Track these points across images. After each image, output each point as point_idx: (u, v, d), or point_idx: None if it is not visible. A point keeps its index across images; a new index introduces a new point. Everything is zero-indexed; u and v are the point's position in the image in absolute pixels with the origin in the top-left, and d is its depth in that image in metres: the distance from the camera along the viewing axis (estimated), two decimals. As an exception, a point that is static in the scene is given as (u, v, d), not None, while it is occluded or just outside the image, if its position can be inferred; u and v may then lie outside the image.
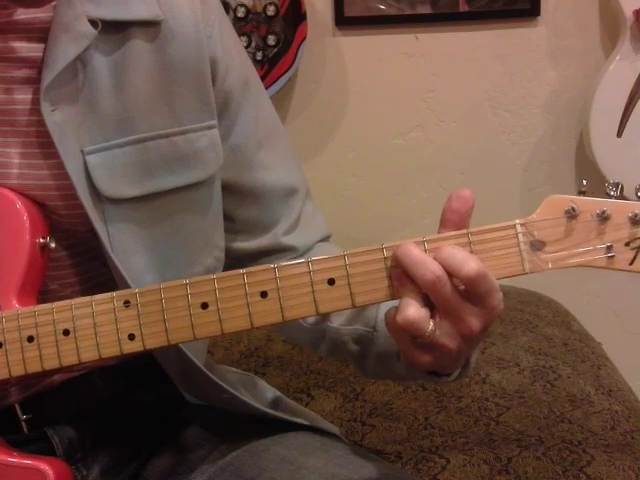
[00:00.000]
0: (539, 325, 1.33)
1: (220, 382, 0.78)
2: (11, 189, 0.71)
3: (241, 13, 1.70)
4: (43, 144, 0.71)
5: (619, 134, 1.68)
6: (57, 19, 0.70)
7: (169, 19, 0.75)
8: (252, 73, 0.85)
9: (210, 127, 0.78)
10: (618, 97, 1.67)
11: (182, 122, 0.76)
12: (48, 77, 0.69)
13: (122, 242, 0.74)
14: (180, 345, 0.72)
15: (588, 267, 0.61)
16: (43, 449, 0.77)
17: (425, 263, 0.59)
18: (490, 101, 1.81)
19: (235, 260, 0.86)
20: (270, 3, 1.70)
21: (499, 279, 0.61)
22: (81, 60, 0.71)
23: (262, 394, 0.90)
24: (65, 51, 0.69)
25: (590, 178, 1.92)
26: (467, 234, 0.61)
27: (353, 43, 1.79)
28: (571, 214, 0.60)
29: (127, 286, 0.72)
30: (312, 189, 0.90)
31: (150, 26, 0.74)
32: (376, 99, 1.81)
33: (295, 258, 0.85)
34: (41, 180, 0.72)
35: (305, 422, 0.84)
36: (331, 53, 1.79)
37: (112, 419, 0.83)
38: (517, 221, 0.61)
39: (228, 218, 0.84)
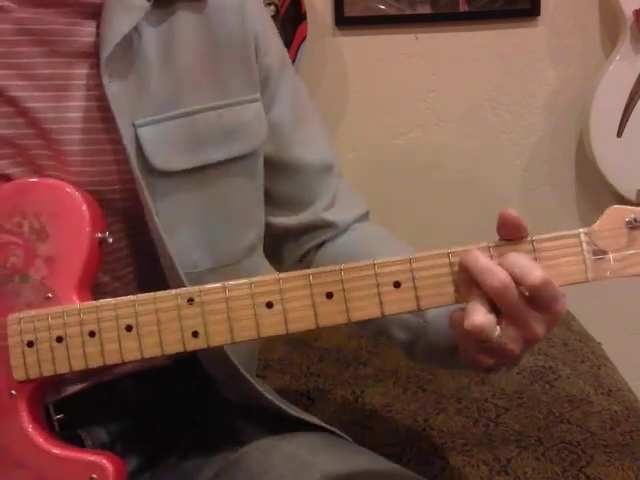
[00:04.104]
0: (539, 325, 1.33)
1: (243, 371, 0.79)
2: (70, 183, 0.72)
3: (241, 13, 1.70)
4: (103, 118, 0.72)
5: (619, 134, 1.68)
6: None
7: None
8: (286, 55, 0.87)
9: (254, 100, 0.80)
10: (618, 97, 1.68)
11: (228, 95, 0.78)
12: (107, 49, 0.70)
13: (170, 217, 0.74)
14: None
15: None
16: None
17: (492, 271, 0.60)
18: (490, 101, 1.81)
19: (277, 238, 0.88)
20: (270, 3, 1.70)
21: (562, 286, 0.61)
22: (135, 33, 0.73)
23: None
24: (120, 23, 0.71)
25: (590, 178, 1.92)
26: (531, 241, 0.62)
27: (353, 43, 1.79)
28: (633, 224, 0.62)
29: (172, 265, 0.73)
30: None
31: (196, 0, 0.76)
32: (376, 99, 1.81)
33: (336, 236, 0.88)
34: (102, 155, 0.73)
35: (314, 421, 0.84)
36: (331, 53, 1.79)
37: (141, 423, 0.84)
38: (581, 230, 0.62)
39: (269, 194, 0.86)
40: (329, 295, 0.63)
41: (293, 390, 1.15)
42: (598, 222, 0.62)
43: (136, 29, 0.72)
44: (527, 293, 0.60)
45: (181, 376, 0.85)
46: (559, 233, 0.62)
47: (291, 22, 1.71)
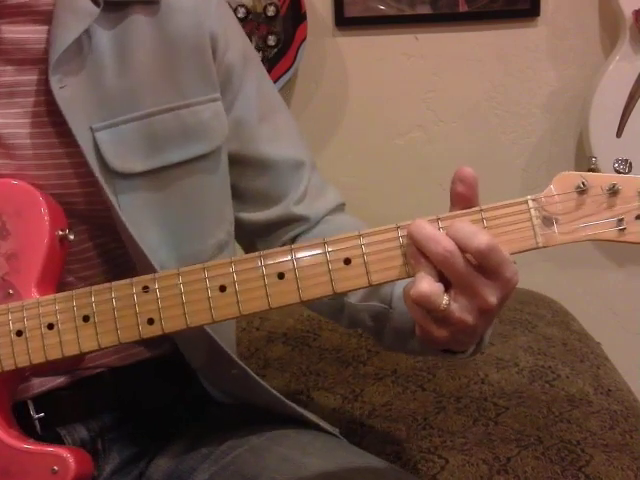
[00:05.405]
0: (538, 325, 1.33)
1: (232, 355, 0.79)
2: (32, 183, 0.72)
3: (241, 13, 1.70)
4: (55, 123, 0.73)
5: (619, 134, 1.68)
6: (60, 0, 0.72)
7: None
8: (251, 49, 0.87)
9: (214, 100, 0.80)
10: (618, 97, 1.68)
11: (186, 96, 0.78)
12: (55, 54, 0.71)
13: (135, 217, 0.75)
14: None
15: (599, 240, 0.62)
16: None
17: (437, 239, 0.60)
18: (490, 101, 1.81)
19: (251, 233, 0.89)
20: (270, 3, 1.70)
21: (513, 254, 0.61)
22: (85, 38, 0.73)
23: None
24: (69, 28, 0.71)
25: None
26: (480, 211, 0.62)
27: (353, 43, 1.79)
28: (581, 189, 0.62)
29: (145, 261, 0.74)
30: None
31: (150, 3, 0.77)
32: (376, 99, 1.81)
33: (309, 229, 0.88)
34: (57, 159, 0.74)
35: (309, 416, 0.85)
36: (331, 53, 1.79)
37: (122, 420, 0.84)
38: (529, 197, 0.62)
39: (238, 191, 0.86)
40: (280, 276, 0.63)
41: (293, 389, 1.15)
42: (547, 189, 0.62)
43: (86, 33, 0.73)
44: (475, 261, 0.60)
45: (163, 372, 0.85)
46: (508, 201, 0.62)
47: (291, 22, 1.71)
